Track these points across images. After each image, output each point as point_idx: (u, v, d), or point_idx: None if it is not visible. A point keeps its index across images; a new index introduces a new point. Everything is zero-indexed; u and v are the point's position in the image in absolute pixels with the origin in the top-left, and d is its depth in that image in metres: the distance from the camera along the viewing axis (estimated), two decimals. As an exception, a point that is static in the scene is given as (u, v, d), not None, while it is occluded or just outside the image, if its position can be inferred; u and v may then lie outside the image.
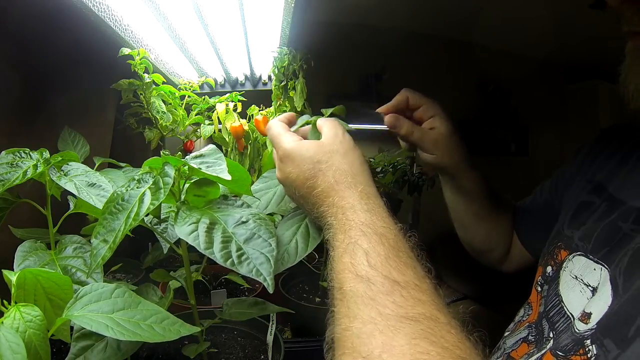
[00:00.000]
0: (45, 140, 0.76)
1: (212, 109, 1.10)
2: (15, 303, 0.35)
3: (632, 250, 0.42)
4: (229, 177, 0.42)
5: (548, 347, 0.47)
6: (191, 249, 0.43)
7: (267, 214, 0.48)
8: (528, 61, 1.87)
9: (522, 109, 2.07)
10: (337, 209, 0.42)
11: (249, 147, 1.11)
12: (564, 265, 0.51)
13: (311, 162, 0.45)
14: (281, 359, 0.58)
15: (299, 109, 0.98)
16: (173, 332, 0.39)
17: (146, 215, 0.41)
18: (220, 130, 1.09)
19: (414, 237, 0.41)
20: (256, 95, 1.17)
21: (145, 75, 0.92)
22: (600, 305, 0.42)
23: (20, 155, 0.49)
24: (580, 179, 0.59)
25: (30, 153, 0.49)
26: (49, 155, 0.51)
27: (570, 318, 0.46)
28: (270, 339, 0.61)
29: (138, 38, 0.83)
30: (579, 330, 0.43)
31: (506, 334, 0.59)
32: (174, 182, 0.44)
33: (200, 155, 0.46)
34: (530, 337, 0.53)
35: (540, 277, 0.57)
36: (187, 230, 0.41)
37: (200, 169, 0.44)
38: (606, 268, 0.44)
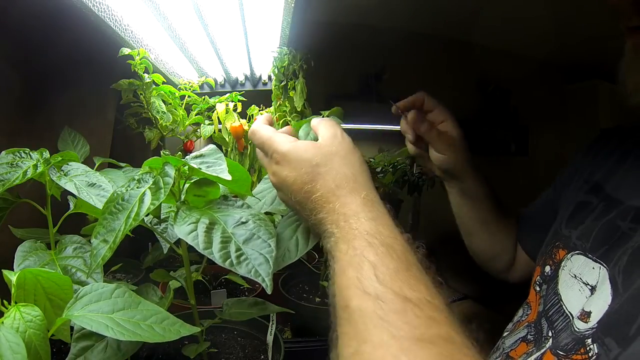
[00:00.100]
0: (45, 140, 0.76)
1: (212, 109, 1.10)
2: (15, 303, 0.35)
3: (631, 249, 0.42)
4: (229, 177, 0.42)
5: (547, 346, 0.47)
6: (191, 249, 0.43)
7: (267, 215, 0.48)
8: (528, 61, 1.87)
9: (522, 109, 2.07)
10: (339, 216, 0.39)
11: (249, 147, 1.11)
12: (562, 264, 0.51)
13: (309, 164, 0.42)
14: (281, 359, 0.58)
15: (299, 109, 0.98)
16: (173, 332, 0.39)
17: (146, 215, 0.41)
18: (220, 130, 1.09)
19: (422, 247, 0.38)
20: (256, 95, 1.17)
21: (145, 75, 0.92)
22: (600, 303, 0.42)
23: (20, 155, 0.49)
24: (577, 179, 0.59)
25: (30, 153, 0.49)
26: (49, 155, 0.50)
27: (569, 317, 0.46)
28: (270, 339, 0.61)
29: (138, 38, 0.83)
30: (578, 329, 0.43)
31: (505, 334, 0.59)
32: (174, 182, 0.44)
33: (201, 155, 0.46)
34: (529, 337, 0.53)
35: (538, 277, 0.57)
36: (186, 230, 0.41)
37: (201, 169, 0.44)
38: (605, 267, 0.44)
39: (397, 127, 0.70)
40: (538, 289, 0.56)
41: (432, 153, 0.65)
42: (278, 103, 1.04)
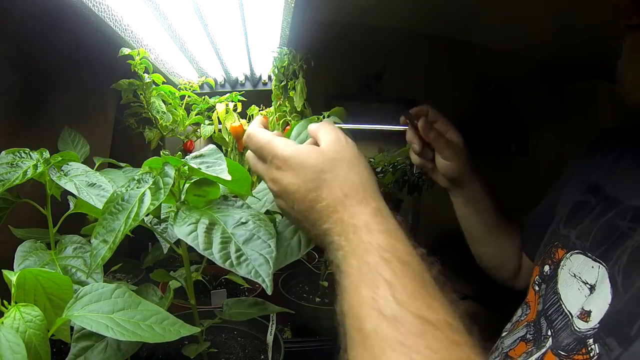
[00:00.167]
0: (45, 140, 0.76)
1: (212, 109, 1.10)
2: (15, 303, 0.35)
3: (630, 248, 0.42)
4: (228, 177, 0.42)
5: (547, 345, 0.47)
6: (191, 248, 0.43)
7: (267, 215, 0.48)
8: (528, 61, 1.87)
9: (522, 109, 2.07)
10: (347, 227, 0.36)
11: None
12: (561, 263, 0.51)
13: (313, 171, 0.39)
14: (281, 359, 0.58)
15: (299, 109, 0.98)
16: (173, 333, 0.39)
17: (146, 215, 0.41)
18: (220, 130, 1.09)
19: (437, 262, 0.37)
20: (256, 95, 1.17)
21: (145, 75, 0.92)
22: (600, 303, 0.42)
23: (20, 155, 0.49)
24: (576, 179, 0.59)
25: (30, 153, 0.49)
26: (49, 155, 0.50)
27: (568, 316, 0.46)
28: (270, 339, 0.61)
29: (138, 38, 0.83)
30: (579, 328, 0.43)
31: (504, 334, 0.59)
32: (174, 182, 0.44)
33: (200, 155, 0.46)
34: (528, 336, 0.53)
35: (537, 277, 0.57)
36: (186, 230, 0.41)
37: (200, 169, 0.44)
38: (604, 266, 0.44)
39: (397, 127, 0.71)
40: (537, 288, 0.56)
41: (440, 161, 0.67)
42: (278, 103, 1.04)
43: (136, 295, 0.41)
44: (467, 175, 0.68)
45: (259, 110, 1.09)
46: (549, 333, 0.49)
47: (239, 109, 1.10)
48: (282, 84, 1.00)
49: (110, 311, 0.38)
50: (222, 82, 1.22)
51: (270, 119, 1.05)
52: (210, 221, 0.42)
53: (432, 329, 0.30)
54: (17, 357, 0.31)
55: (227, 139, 1.09)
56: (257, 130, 0.44)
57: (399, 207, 1.09)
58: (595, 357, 0.39)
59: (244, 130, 1.07)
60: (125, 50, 0.84)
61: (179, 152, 1.10)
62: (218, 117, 1.08)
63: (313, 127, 0.44)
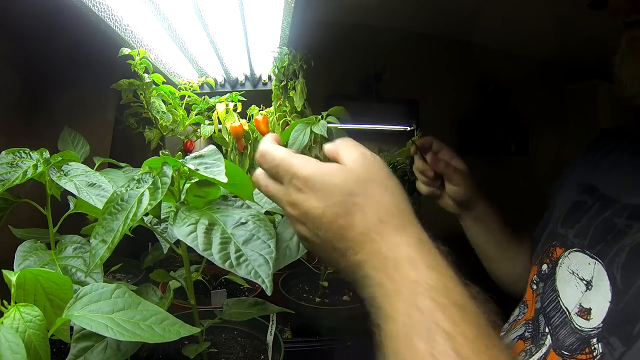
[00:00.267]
0: (45, 140, 0.76)
1: (212, 109, 1.10)
2: (15, 303, 0.35)
3: (629, 246, 0.42)
4: (225, 180, 0.42)
5: (547, 343, 0.48)
6: (191, 249, 0.43)
7: (267, 215, 0.48)
8: (528, 61, 1.87)
9: (522, 109, 2.07)
10: (387, 261, 0.32)
11: (249, 147, 1.11)
12: (559, 261, 0.52)
13: (341, 192, 0.34)
14: (281, 359, 0.58)
15: (299, 109, 0.98)
16: (173, 333, 0.39)
17: (146, 215, 0.41)
18: (220, 130, 1.09)
19: (492, 300, 0.33)
20: (256, 95, 1.17)
21: (145, 75, 0.92)
22: (599, 300, 0.42)
23: (20, 155, 0.49)
24: (572, 181, 0.60)
25: (30, 153, 0.49)
26: (49, 155, 0.50)
27: (565, 312, 0.47)
28: (270, 339, 0.61)
29: (138, 38, 0.83)
30: (580, 326, 0.43)
31: (501, 334, 0.59)
32: (173, 182, 0.44)
33: (200, 156, 0.46)
34: (526, 334, 0.53)
35: (535, 276, 0.57)
36: (185, 231, 0.41)
37: (198, 170, 0.44)
38: (600, 262, 0.44)
39: (397, 127, 0.72)
40: (535, 287, 0.56)
41: (450, 187, 0.71)
42: (278, 103, 1.04)
43: (136, 295, 0.41)
44: (475, 197, 0.71)
45: (259, 110, 1.09)
46: (547, 330, 0.49)
47: (239, 109, 1.10)
48: (282, 84, 1.00)
49: (110, 311, 0.38)
50: (222, 82, 1.22)
51: (270, 119, 1.05)
52: (209, 221, 0.42)
53: None
54: (16, 357, 0.31)
55: (227, 139, 1.09)
56: (270, 146, 0.39)
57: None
58: (598, 357, 0.39)
59: (244, 130, 1.07)
60: (125, 50, 0.84)
61: (179, 152, 1.10)
62: (218, 117, 1.08)
63: (330, 147, 0.39)
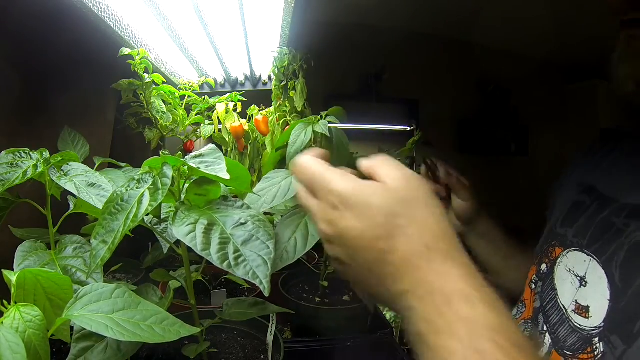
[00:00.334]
0: (45, 140, 0.76)
1: (212, 109, 1.10)
2: (15, 303, 0.35)
3: (627, 244, 0.42)
4: (227, 176, 0.42)
5: (547, 342, 0.48)
6: (191, 249, 0.43)
7: (266, 215, 0.48)
8: (528, 61, 1.87)
9: (522, 109, 2.07)
10: (435, 296, 0.29)
11: (249, 147, 1.11)
12: (558, 260, 0.52)
13: (382, 213, 0.32)
14: (281, 359, 0.58)
15: (299, 109, 0.99)
16: (173, 333, 0.39)
17: (146, 215, 0.41)
18: (220, 130, 1.09)
19: (540, 336, 0.32)
20: (256, 95, 1.17)
21: (145, 75, 0.92)
22: (597, 298, 0.42)
23: (20, 155, 0.49)
24: (572, 181, 0.60)
25: (30, 153, 0.49)
26: (49, 155, 0.50)
27: (562, 310, 0.47)
28: (270, 339, 0.61)
29: (138, 38, 0.83)
30: (579, 325, 0.43)
31: None
32: (173, 182, 0.44)
33: (200, 155, 0.46)
34: (525, 333, 0.53)
35: (534, 276, 0.57)
36: (184, 231, 0.41)
37: (200, 168, 0.44)
38: (595, 259, 0.45)
39: (397, 127, 0.72)
40: (533, 286, 0.57)
41: (457, 202, 0.74)
42: (278, 103, 1.04)
43: (136, 296, 0.41)
44: (478, 212, 0.74)
45: (259, 110, 1.10)
46: (545, 328, 0.49)
47: (239, 109, 1.11)
48: (282, 84, 1.00)
49: (110, 311, 0.38)
50: (222, 82, 1.23)
51: (270, 119, 1.05)
52: (209, 221, 0.42)
53: None
54: (16, 357, 0.31)
55: (227, 139, 1.09)
56: (308, 160, 0.37)
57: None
58: (599, 356, 0.39)
59: (244, 130, 1.07)
60: (125, 50, 0.84)
61: (179, 152, 1.10)
62: (218, 117, 1.08)
63: (366, 163, 0.36)
